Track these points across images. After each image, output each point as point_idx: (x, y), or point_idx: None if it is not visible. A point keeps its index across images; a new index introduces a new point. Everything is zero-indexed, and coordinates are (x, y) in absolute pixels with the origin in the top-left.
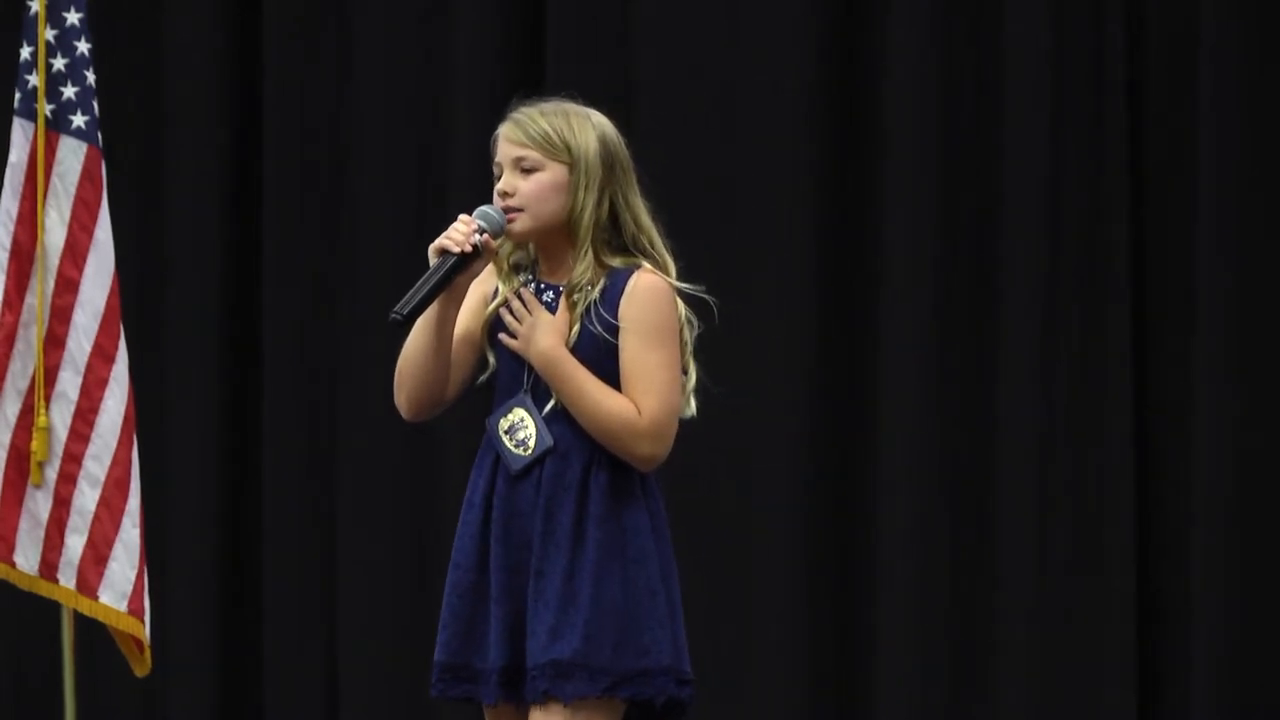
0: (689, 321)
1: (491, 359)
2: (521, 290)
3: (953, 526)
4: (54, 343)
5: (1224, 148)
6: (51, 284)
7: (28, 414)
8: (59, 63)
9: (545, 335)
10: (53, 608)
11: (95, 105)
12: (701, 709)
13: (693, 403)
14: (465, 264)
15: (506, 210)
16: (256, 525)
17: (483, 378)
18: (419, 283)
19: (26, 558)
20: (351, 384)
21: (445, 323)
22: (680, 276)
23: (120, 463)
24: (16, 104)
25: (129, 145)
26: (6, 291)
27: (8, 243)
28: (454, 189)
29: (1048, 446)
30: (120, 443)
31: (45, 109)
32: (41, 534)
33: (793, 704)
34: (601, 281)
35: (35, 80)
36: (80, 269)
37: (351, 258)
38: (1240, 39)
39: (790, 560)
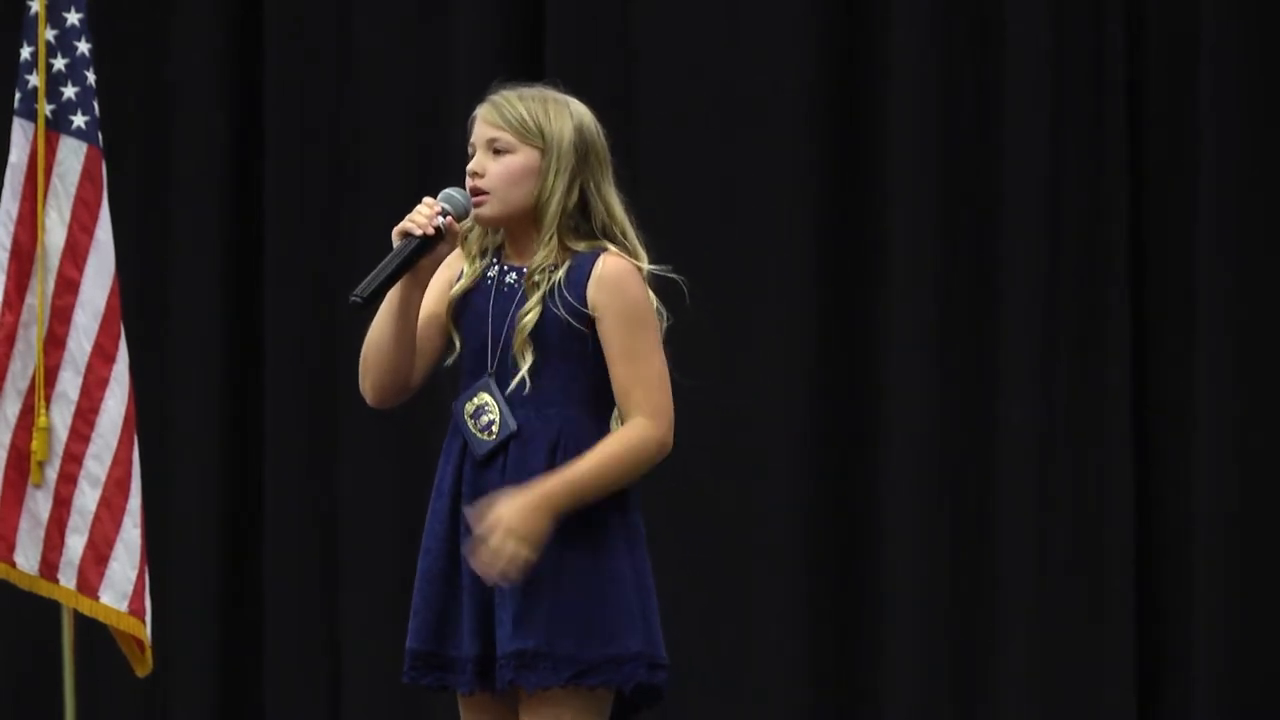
0: (659, 313)
1: (457, 342)
2: (466, 516)
3: (953, 526)
4: (54, 343)
5: (1224, 148)
6: (52, 284)
7: (28, 414)
8: (59, 63)
9: (510, 511)
10: (53, 608)
11: (95, 105)
12: (703, 709)
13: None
14: (428, 247)
15: (474, 192)
16: (258, 525)
17: (449, 361)
18: (380, 265)
19: (27, 557)
20: (352, 384)
21: (409, 307)
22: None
23: (121, 462)
24: (17, 104)
25: (130, 145)
26: (6, 292)
27: (8, 243)
28: (453, 187)
29: (1048, 446)
30: (121, 442)
31: (45, 109)
32: (42, 534)
33: (793, 704)
34: (565, 263)
35: (35, 80)
36: (80, 269)
37: (352, 258)
38: (1240, 39)
39: (790, 560)
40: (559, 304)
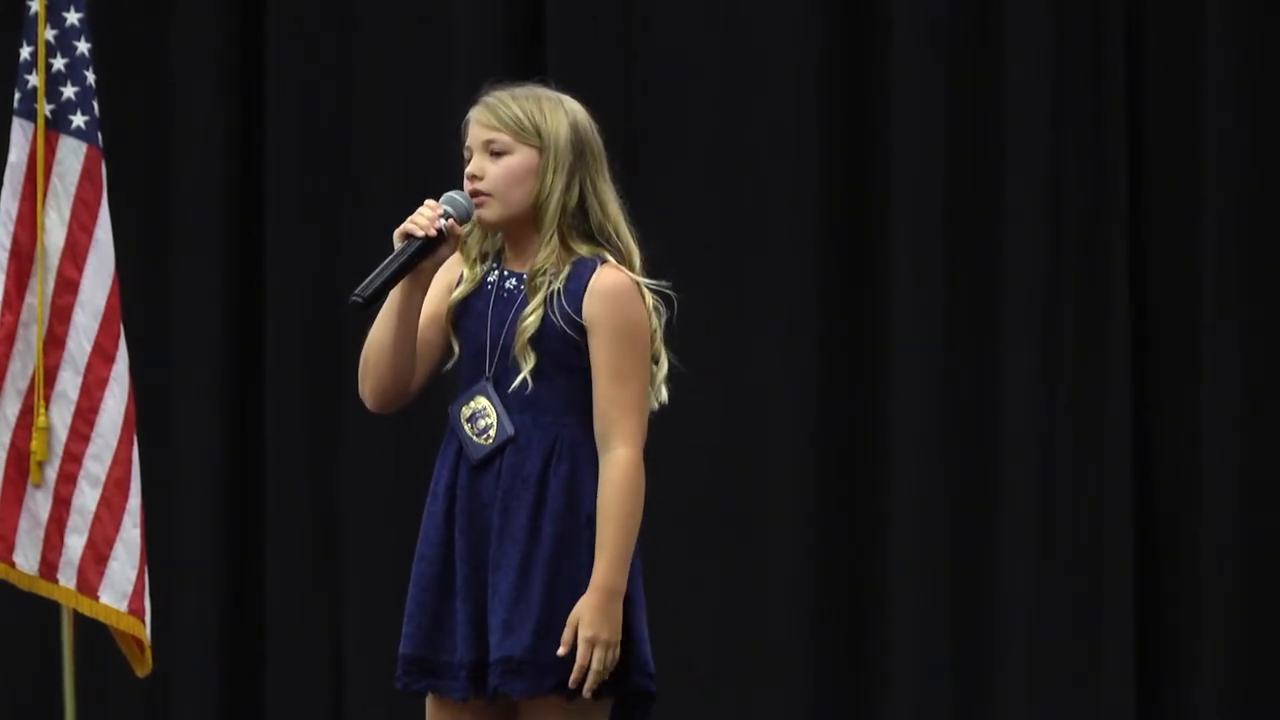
0: (656, 309)
1: (455, 347)
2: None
3: (953, 526)
4: (54, 343)
5: (1224, 148)
6: (51, 284)
7: (28, 414)
8: (59, 63)
9: (585, 625)
10: (53, 608)
11: (95, 105)
12: (704, 708)
13: (664, 391)
14: (430, 249)
15: (475, 195)
16: (259, 525)
17: (448, 366)
18: (381, 266)
19: (26, 557)
20: (354, 384)
21: (411, 309)
22: (678, 278)
23: (120, 462)
24: (16, 104)
25: (130, 145)
26: (6, 291)
27: (8, 243)
28: (455, 190)
29: (1048, 446)
30: (120, 442)
31: (45, 109)
32: (41, 534)
33: (793, 704)
34: (565, 269)
35: (35, 80)
36: (80, 269)
37: (353, 258)
38: (1241, 38)
39: (792, 560)
40: (557, 312)
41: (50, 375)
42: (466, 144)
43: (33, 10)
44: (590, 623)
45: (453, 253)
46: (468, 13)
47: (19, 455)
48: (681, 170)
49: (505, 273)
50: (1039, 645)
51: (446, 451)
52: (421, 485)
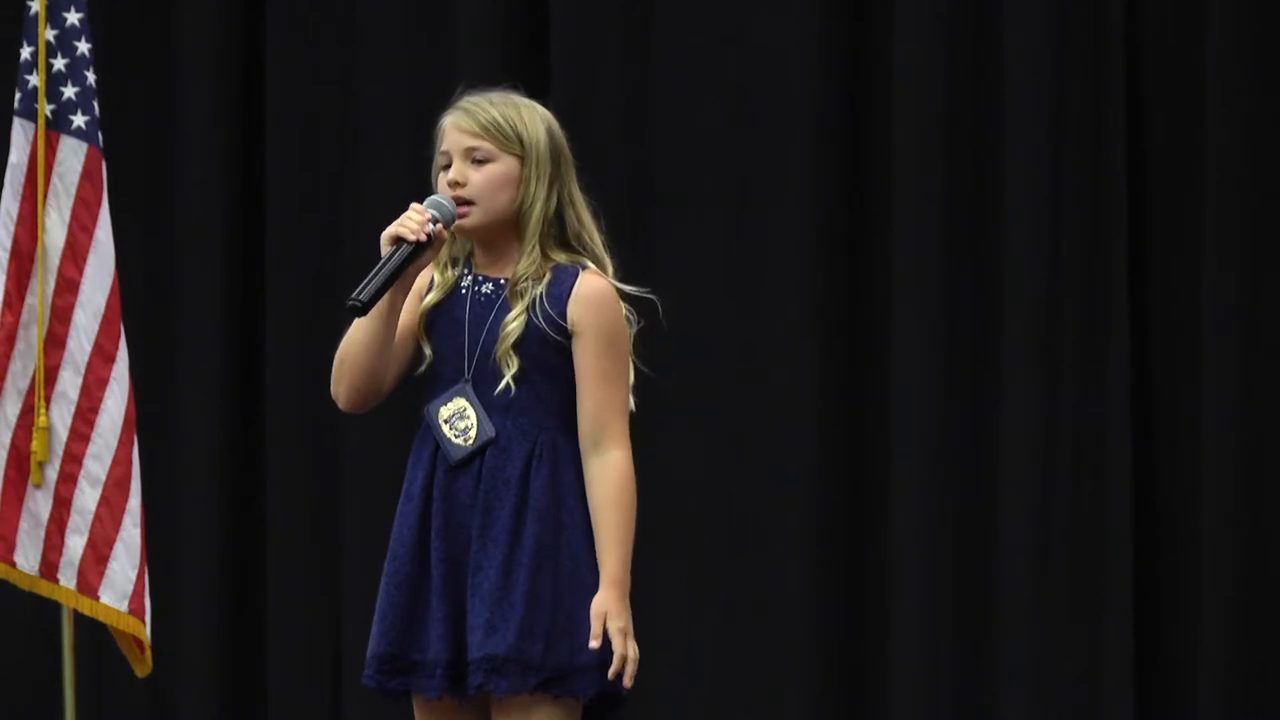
0: (628, 319)
1: (427, 351)
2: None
3: (953, 526)
4: (54, 343)
5: (1225, 148)
6: (52, 284)
7: (28, 414)
8: (59, 63)
9: (612, 619)
10: (53, 608)
11: (95, 105)
12: (704, 707)
13: (631, 400)
14: (419, 253)
15: (458, 201)
16: (260, 526)
17: (420, 369)
18: (376, 269)
19: (27, 557)
20: None
21: (393, 312)
22: (679, 279)
23: (121, 462)
24: (17, 104)
25: (130, 145)
26: (6, 291)
27: (8, 243)
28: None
29: (1048, 446)
30: (121, 442)
31: (45, 109)
32: (42, 534)
33: (793, 704)
34: (546, 276)
35: (35, 80)
36: (80, 269)
37: (353, 258)
38: (1242, 39)
39: (793, 561)
40: (540, 316)
41: (50, 375)
42: (442, 149)
43: (33, 10)
44: (618, 614)
45: (435, 257)
46: (468, 14)
47: (19, 455)
48: (683, 170)
49: (480, 277)
50: (1039, 645)
51: (421, 452)
52: None
